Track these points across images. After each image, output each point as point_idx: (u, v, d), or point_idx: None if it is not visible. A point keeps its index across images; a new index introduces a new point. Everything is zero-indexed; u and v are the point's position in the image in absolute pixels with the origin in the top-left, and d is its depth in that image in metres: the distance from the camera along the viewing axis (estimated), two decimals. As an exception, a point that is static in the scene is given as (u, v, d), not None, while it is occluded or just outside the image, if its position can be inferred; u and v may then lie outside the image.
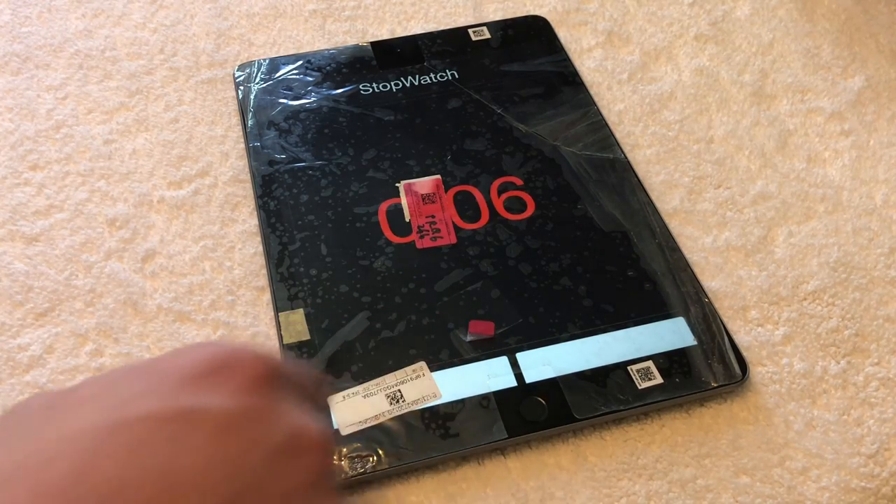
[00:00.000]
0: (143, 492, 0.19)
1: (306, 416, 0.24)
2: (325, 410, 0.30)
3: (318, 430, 0.24)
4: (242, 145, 0.47)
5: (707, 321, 0.40)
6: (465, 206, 0.44)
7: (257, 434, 0.22)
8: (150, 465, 0.19)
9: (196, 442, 0.20)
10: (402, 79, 0.50)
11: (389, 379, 0.37)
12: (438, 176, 0.45)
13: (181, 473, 0.20)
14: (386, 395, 0.37)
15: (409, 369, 0.38)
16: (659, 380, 0.38)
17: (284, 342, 0.39)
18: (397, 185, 0.45)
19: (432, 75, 0.50)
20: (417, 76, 0.50)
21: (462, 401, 0.37)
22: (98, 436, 0.20)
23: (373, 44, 0.52)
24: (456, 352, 0.38)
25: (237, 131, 0.48)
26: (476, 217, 0.44)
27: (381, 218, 0.43)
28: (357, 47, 0.52)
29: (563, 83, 0.50)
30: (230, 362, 0.23)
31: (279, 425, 0.22)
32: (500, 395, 0.37)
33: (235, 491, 0.20)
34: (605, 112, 0.49)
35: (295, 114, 0.48)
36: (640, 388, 0.37)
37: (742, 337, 0.40)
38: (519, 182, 0.45)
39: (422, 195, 0.44)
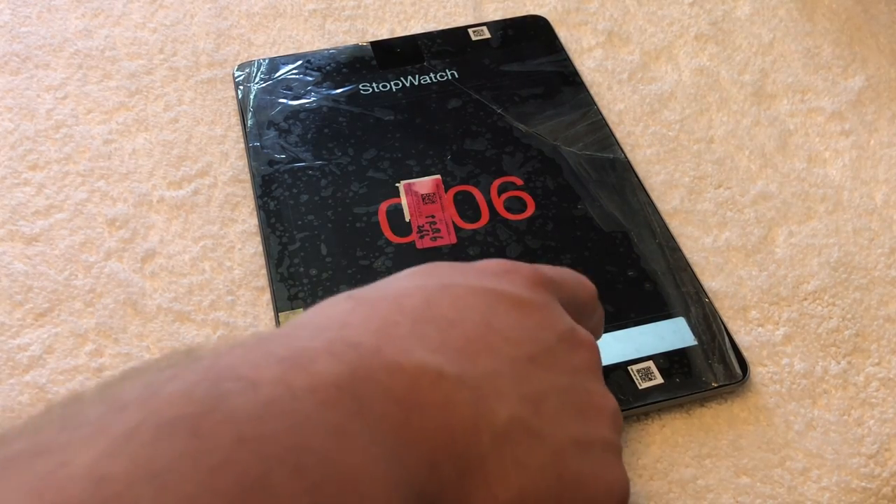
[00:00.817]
0: (474, 328, 0.24)
1: (575, 321, 0.28)
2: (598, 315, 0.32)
3: (588, 333, 0.28)
4: (242, 145, 0.47)
5: (707, 321, 0.40)
6: (465, 206, 0.44)
7: (546, 318, 0.26)
8: (472, 315, 0.24)
9: (503, 310, 0.25)
10: (402, 79, 0.50)
11: (389, 379, 0.37)
12: (438, 176, 0.45)
13: (495, 326, 0.24)
14: (386, 395, 0.37)
15: (409, 369, 0.38)
16: (659, 380, 0.38)
17: (284, 342, 0.38)
18: (397, 185, 0.45)
19: (432, 75, 0.50)
20: (417, 76, 0.50)
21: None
22: (432, 290, 0.25)
23: (373, 44, 0.52)
24: (456, 352, 0.38)
25: (237, 131, 0.48)
26: (476, 217, 0.44)
27: (381, 218, 0.43)
28: (357, 47, 0.52)
29: (563, 83, 0.50)
30: (516, 267, 0.27)
31: (562, 319, 0.27)
32: (501, 396, 0.37)
33: (536, 351, 0.25)
34: (605, 112, 0.49)
35: (295, 114, 0.48)
36: (640, 388, 0.37)
37: (742, 337, 0.40)
38: (519, 182, 0.45)
39: (422, 195, 0.44)
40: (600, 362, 0.28)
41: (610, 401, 0.27)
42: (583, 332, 0.28)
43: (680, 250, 0.42)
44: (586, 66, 0.52)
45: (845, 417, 0.38)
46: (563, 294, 0.29)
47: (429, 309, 0.24)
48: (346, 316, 0.23)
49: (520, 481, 0.23)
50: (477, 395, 0.22)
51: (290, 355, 0.20)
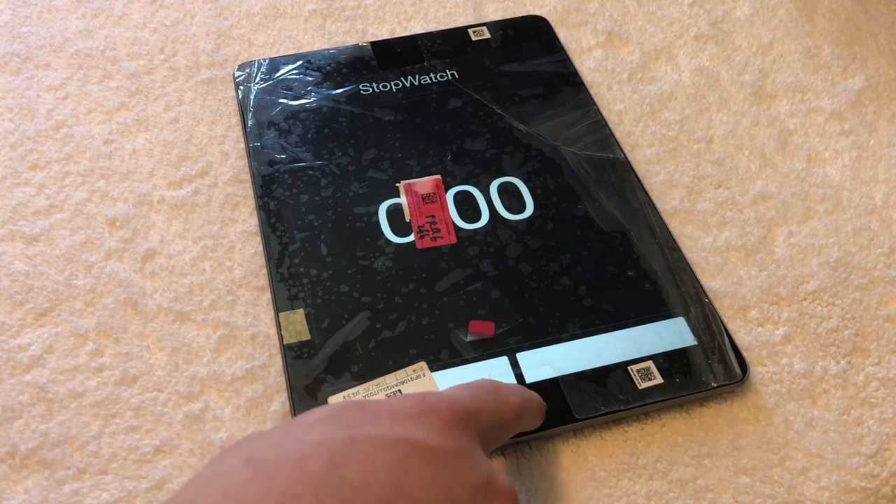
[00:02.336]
0: (382, 492, 0.22)
1: (493, 468, 0.27)
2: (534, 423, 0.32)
3: (506, 480, 0.26)
4: (242, 145, 0.47)
5: (707, 321, 0.40)
6: (465, 206, 0.44)
7: (462, 471, 0.25)
8: (383, 476, 0.23)
9: (417, 466, 0.24)
10: (402, 79, 0.50)
11: (389, 379, 0.37)
12: (438, 176, 0.45)
13: (407, 487, 0.23)
14: (386, 395, 0.37)
15: (409, 369, 0.38)
16: (659, 380, 0.38)
17: (284, 342, 0.39)
18: (397, 185, 0.45)
19: (432, 75, 0.50)
20: (417, 76, 0.50)
21: (462, 401, 0.37)
22: (340, 445, 0.23)
23: (373, 44, 0.52)
24: (456, 352, 0.38)
25: (237, 131, 0.48)
26: (476, 217, 0.44)
27: (381, 218, 0.43)
28: (357, 47, 0.52)
29: (563, 83, 0.50)
30: (431, 405, 0.26)
31: (479, 467, 0.25)
32: (500, 395, 0.37)
33: None
34: (605, 112, 0.49)
35: (295, 114, 0.48)
36: (640, 388, 0.37)
37: (742, 337, 0.40)
38: (519, 182, 0.45)
39: (422, 195, 0.44)
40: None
41: None
42: (500, 481, 0.26)
43: (680, 250, 0.42)
44: (586, 66, 0.52)
45: (845, 417, 0.38)
46: (483, 422, 0.28)
47: (334, 472, 0.23)
48: (240, 491, 0.22)
49: None
50: None
51: None
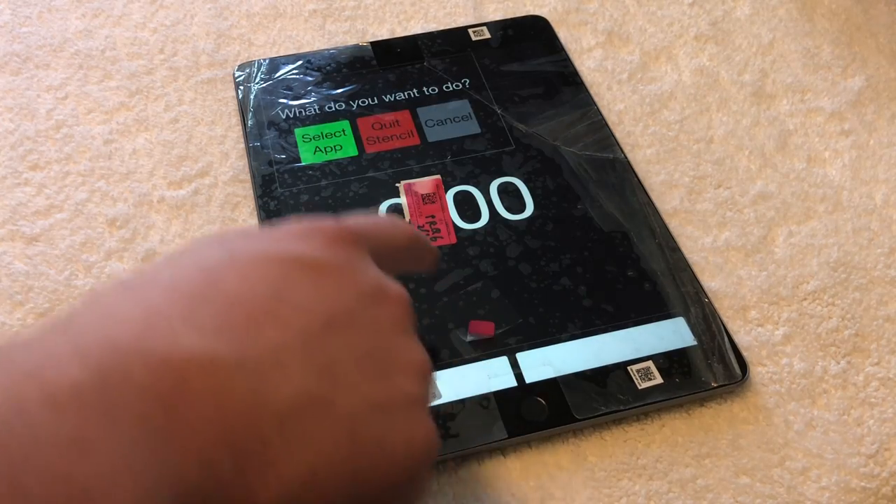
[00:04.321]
0: (262, 303, 0.22)
1: (383, 274, 0.27)
2: (426, 262, 0.31)
3: (397, 285, 0.27)
4: (242, 145, 0.47)
5: (707, 321, 0.40)
6: (465, 206, 0.44)
7: (348, 279, 0.25)
8: (261, 288, 0.23)
9: (298, 277, 0.24)
10: (402, 79, 0.50)
11: (389, 379, 0.37)
12: (438, 176, 0.45)
13: (288, 296, 0.23)
14: (386, 395, 0.37)
15: (409, 369, 0.38)
16: (659, 380, 0.38)
17: (284, 342, 0.38)
18: (397, 185, 0.45)
19: (432, 75, 0.50)
20: (417, 76, 0.50)
21: (462, 401, 0.37)
22: (219, 265, 0.23)
23: (373, 44, 0.52)
24: (456, 352, 0.38)
25: (237, 131, 0.48)
26: (476, 217, 0.44)
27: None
28: (357, 47, 0.52)
29: (563, 83, 0.50)
30: (317, 226, 0.26)
31: (365, 275, 0.26)
32: (500, 395, 0.37)
33: (332, 316, 0.24)
34: (605, 112, 0.49)
35: (295, 114, 0.48)
36: (640, 388, 0.37)
37: (742, 337, 0.40)
38: (519, 182, 0.45)
39: (422, 195, 0.44)
40: (409, 314, 0.27)
41: (416, 353, 0.26)
42: (391, 285, 0.26)
43: (680, 250, 0.42)
44: (586, 66, 0.52)
45: (845, 417, 0.38)
46: (374, 244, 0.28)
47: (210, 288, 0.22)
48: (110, 309, 0.21)
49: (310, 459, 0.22)
50: (257, 377, 0.21)
51: (32, 368, 0.18)
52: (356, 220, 0.28)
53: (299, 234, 0.25)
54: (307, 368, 0.22)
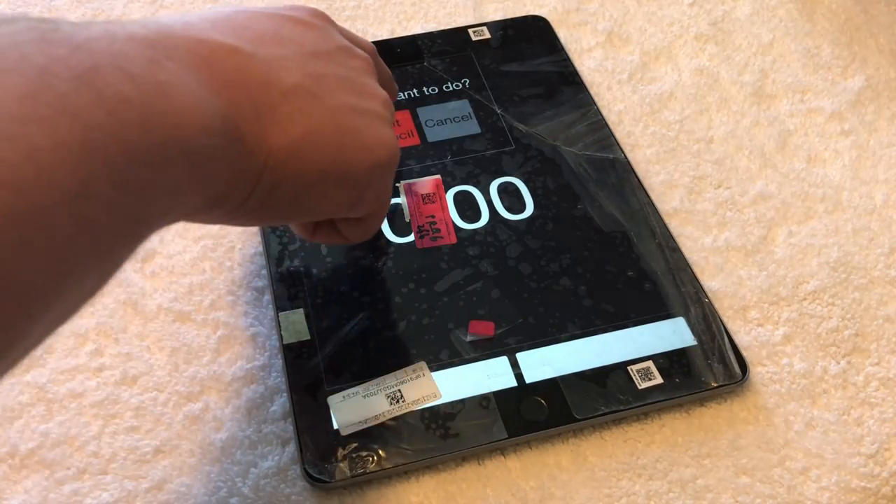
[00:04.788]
0: (266, 31, 0.30)
1: (352, 44, 0.34)
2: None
3: (363, 52, 0.34)
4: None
5: (707, 321, 0.40)
6: (465, 206, 0.44)
7: (327, 34, 0.33)
8: (263, 24, 0.30)
9: (291, 25, 0.31)
10: (401, 79, 0.50)
11: (389, 379, 0.37)
12: (438, 176, 0.45)
13: (285, 33, 0.31)
14: (386, 395, 0.37)
15: (409, 369, 0.38)
16: (659, 380, 0.38)
17: (284, 342, 0.39)
18: (397, 185, 0.45)
19: (432, 75, 0.50)
20: (417, 76, 0.50)
21: (462, 401, 0.37)
22: (233, 11, 0.30)
23: (373, 44, 0.52)
24: (456, 352, 0.38)
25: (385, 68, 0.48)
26: (476, 217, 0.44)
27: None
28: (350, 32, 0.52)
29: (563, 83, 0.50)
30: (301, 5, 0.33)
31: (340, 38, 0.33)
32: (500, 395, 0.37)
33: (318, 50, 0.31)
34: (605, 112, 0.49)
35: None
36: (640, 388, 0.37)
37: (742, 337, 0.40)
38: (519, 182, 0.45)
39: (422, 195, 0.44)
40: (374, 71, 0.34)
41: (381, 92, 0.34)
42: (359, 50, 0.34)
43: (680, 250, 0.42)
44: (586, 66, 0.52)
45: (845, 417, 0.38)
46: (343, 30, 0.35)
47: (225, 18, 0.29)
48: (153, 18, 0.28)
49: (305, 124, 0.29)
50: (267, 66, 0.28)
51: (111, 26, 0.24)
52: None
53: (292, 6, 0.33)
54: (302, 72, 0.30)
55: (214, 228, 0.44)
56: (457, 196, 0.44)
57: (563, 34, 0.53)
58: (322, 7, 0.55)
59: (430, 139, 0.47)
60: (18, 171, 0.18)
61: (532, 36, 0.53)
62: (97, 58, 0.22)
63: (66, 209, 0.20)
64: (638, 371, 0.38)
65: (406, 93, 0.49)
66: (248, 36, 0.29)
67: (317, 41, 0.32)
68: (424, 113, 0.48)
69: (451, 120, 0.48)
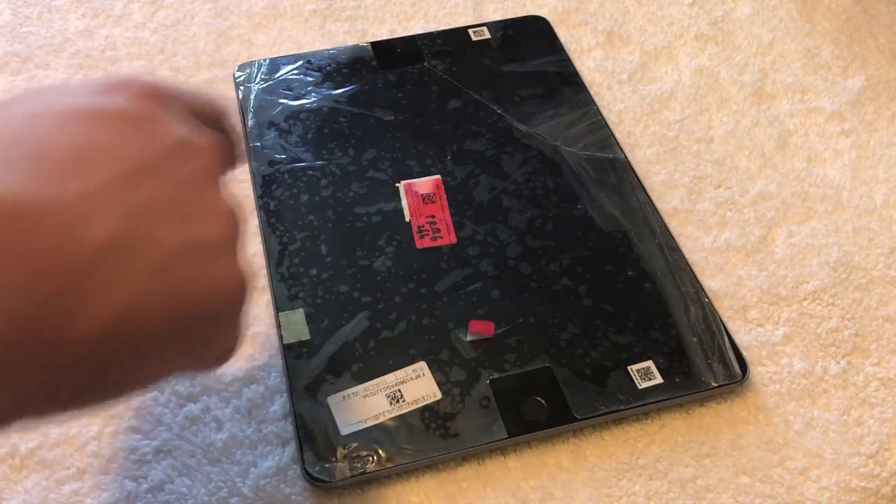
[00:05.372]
0: (73, 151, 0.23)
1: (195, 128, 0.28)
2: (219, 126, 0.31)
3: (207, 136, 0.28)
4: (242, 145, 0.47)
5: (707, 321, 0.40)
6: (465, 206, 0.44)
7: (155, 133, 0.26)
8: (70, 137, 0.24)
9: (108, 129, 0.25)
10: (402, 79, 0.50)
11: (389, 379, 0.37)
12: (438, 176, 0.45)
13: (99, 146, 0.24)
14: (386, 395, 0.37)
15: (409, 369, 0.38)
16: (659, 380, 0.38)
17: (284, 342, 0.39)
18: (397, 185, 0.45)
19: (432, 75, 0.50)
20: (417, 76, 0.50)
21: (462, 400, 0.37)
22: (33, 115, 0.24)
23: (373, 44, 0.52)
24: (456, 352, 0.38)
25: (237, 131, 0.48)
26: (476, 217, 0.44)
27: (382, 218, 0.43)
28: (357, 47, 0.52)
29: (563, 83, 0.50)
30: (122, 83, 0.26)
31: (174, 129, 0.26)
32: (500, 395, 0.37)
33: (141, 165, 0.24)
34: (605, 112, 0.49)
35: (295, 114, 0.48)
36: (640, 388, 0.37)
37: (742, 337, 0.40)
38: (519, 182, 0.45)
39: (422, 195, 0.44)
40: (218, 165, 0.28)
41: (223, 204, 0.27)
42: (200, 139, 0.27)
43: (680, 250, 0.42)
44: (586, 66, 0.52)
45: (845, 417, 0.38)
46: (182, 103, 0.28)
47: (15, 138, 0.23)
48: None
49: (123, 296, 0.23)
50: (68, 220, 0.22)
51: None
52: (162, 81, 0.28)
53: (106, 88, 0.26)
54: (119, 212, 0.23)
55: (214, 228, 0.44)
56: (457, 196, 0.44)
57: (563, 34, 0.53)
58: (321, 8, 0.55)
59: (430, 139, 0.47)
60: None
61: (532, 36, 0.53)
62: None
63: None
64: (638, 371, 0.38)
65: (406, 93, 0.49)
66: (44, 169, 0.22)
67: (143, 148, 0.25)
68: (424, 113, 0.48)
69: (451, 120, 0.48)
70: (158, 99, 0.27)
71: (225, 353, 0.30)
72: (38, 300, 0.21)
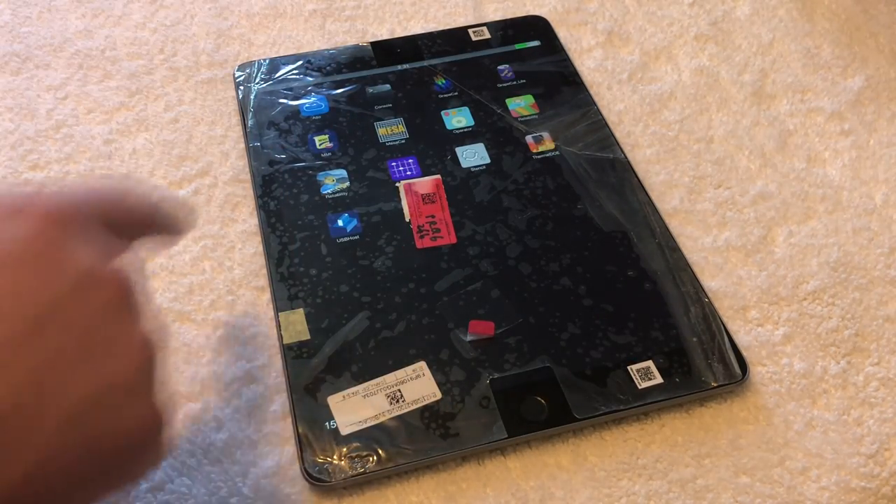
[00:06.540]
0: None
1: (102, 254, 0.25)
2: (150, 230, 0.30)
3: (112, 266, 0.25)
4: (242, 145, 0.47)
5: (707, 321, 0.40)
6: (465, 206, 0.44)
7: (54, 267, 0.23)
8: None
9: (1, 272, 0.22)
10: (401, 79, 0.50)
11: (389, 379, 0.37)
12: (438, 176, 0.45)
13: None
14: (386, 395, 0.37)
15: (408, 369, 0.38)
16: (659, 380, 0.38)
17: (284, 342, 0.39)
18: (397, 185, 0.45)
19: (432, 75, 0.50)
20: (417, 76, 0.50)
21: (462, 400, 0.37)
22: None
23: (373, 44, 0.52)
24: (456, 352, 0.38)
25: (237, 131, 0.48)
26: (476, 217, 0.44)
27: (382, 218, 0.43)
28: (357, 47, 0.52)
29: (563, 83, 0.50)
30: (19, 208, 0.24)
31: (72, 259, 0.24)
32: (500, 395, 0.37)
33: (41, 311, 0.22)
34: (605, 112, 0.49)
35: (295, 114, 0.48)
36: (640, 387, 0.37)
37: (742, 337, 0.40)
38: (519, 182, 0.45)
39: (422, 195, 0.44)
40: (129, 294, 0.26)
41: (133, 338, 0.25)
42: (105, 270, 0.25)
43: (679, 250, 0.42)
44: (586, 66, 0.52)
45: (845, 417, 0.38)
46: (97, 214, 0.26)
47: None
48: None
49: (31, 455, 0.21)
50: None
51: None
52: (70, 193, 0.26)
53: (10, 212, 0.24)
54: (11, 381, 0.21)
55: (214, 228, 0.44)
56: (457, 196, 0.44)
57: (563, 34, 0.53)
58: (322, 7, 0.55)
59: (430, 139, 0.47)
60: None
61: (532, 36, 0.53)
62: None
63: None
64: (638, 371, 0.38)
65: (406, 93, 0.49)
66: None
67: (42, 290, 0.23)
68: (424, 113, 0.48)
69: (452, 120, 0.48)
70: (62, 222, 0.25)
71: (152, 460, 0.27)
72: None
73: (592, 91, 0.50)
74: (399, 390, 0.37)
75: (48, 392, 0.22)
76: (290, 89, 0.49)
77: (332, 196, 0.44)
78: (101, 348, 0.24)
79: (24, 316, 0.22)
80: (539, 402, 0.37)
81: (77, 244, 0.24)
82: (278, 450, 0.36)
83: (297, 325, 0.39)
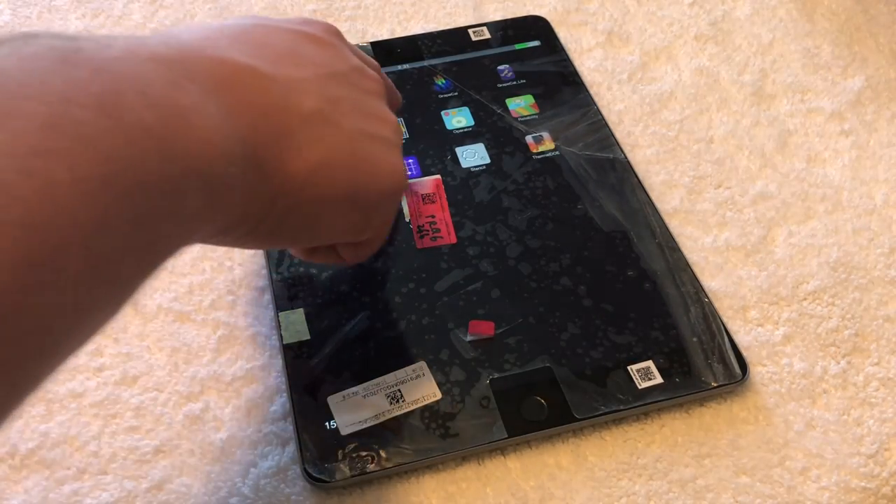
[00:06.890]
0: (284, 50, 0.30)
1: (365, 62, 0.35)
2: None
3: (375, 72, 0.35)
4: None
5: (707, 321, 0.40)
6: (465, 207, 0.44)
7: (340, 52, 0.33)
8: (281, 42, 0.30)
9: (305, 42, 0.31)
10: (401, 79, 0.50)
11: (389, 379, 0.37)
12: (438, 176, 0.45)
13: (302, 52, 0.31)
14: (386, 395, 0.37)
15: (409, 369, 0.38)
16: (659, 380, 0.38)
17: (284, 342, 0.39)
18: (397, 185, 0.45)
19: (432, 76, 0.50)
20: (417, 76, 0.50)
21: (462, 400, 0.37)
22: (246, 25, 0.30)
23: (373, 44, 0.52)
24: (456, 352, 0.38)
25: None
26: (476, 217, 0.44)
27: (381, 218, 0.43)
28: (357, 47, 0.52)
29: (563, 83, 0.50)
30: (315, 20, 0.34)
31: (352, 55, 0.34)
32: (500, 395, 0.37)
33: (333, 71, 0.31)
34: (605, 112, 0.49)
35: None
36: (640, 387, 0.37)
37: (742, 337, 0.40)
38: (519, 182, 0.45)
39: (422, 195, 0.44)
40: (385, 93, 0.35)
41: (392, 117, 0.34)
42: (370, 70, 0.34)
43: (679, 250, 0.42)
44: (586, 66, 0.52)
45: (845, 417, 0.38)
46: (353, 51, 0.35)
47: (244, 34, 0.29)
48: (173, 32, 0.28)
49: (322, 150, 0.29)
50: (287, 90, 0.28)
51: (132, 44, 0.24)
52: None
53: (302, 21, 0.33)
54: (320, 96, 0.29)
55: (214, 228, 0.44)
56: (457, 196, 0.44)
57: (563, 34, 0.53)
58: (321, 7, 0.55)
59: (430, 139, 0.47)
60: (37, 210, 0.17)
61: (532, 36, 0.53)
62: (118, 81, 0.21)
63: (81, 247, 0.19)
64: (638, 371, 0.38)
65: (406, 93, 0.49)
66: (268, 55, 0.29)
67: (333, 61, 0.31)
68: (424, 113, 0.48)
69: (452, 120, 0.48)
70: (338, 36, 0.34)
71: (373, 243, 0.36)
72: (270, 134, 0.27)
73: (592, 91, 0.50)
74: (399, 390, 0.37)
75: (335, 118, 0.30)
76: (290, 89, 0.49)
77: None
78: (370, 111, 0.32)
79: (320, 69, 0.31)
80: (539, 402, 0.37)
81: (349, 51, 0.34)
82: (278, 450, 0.36)
83: (297, 325, 0.39)
